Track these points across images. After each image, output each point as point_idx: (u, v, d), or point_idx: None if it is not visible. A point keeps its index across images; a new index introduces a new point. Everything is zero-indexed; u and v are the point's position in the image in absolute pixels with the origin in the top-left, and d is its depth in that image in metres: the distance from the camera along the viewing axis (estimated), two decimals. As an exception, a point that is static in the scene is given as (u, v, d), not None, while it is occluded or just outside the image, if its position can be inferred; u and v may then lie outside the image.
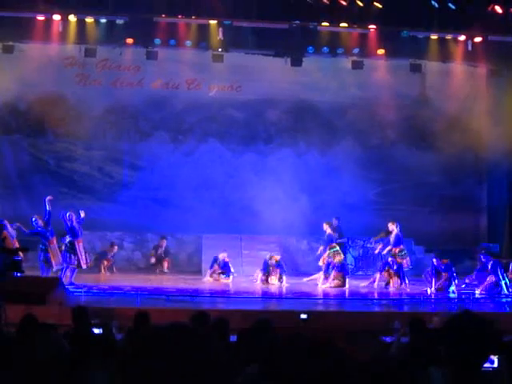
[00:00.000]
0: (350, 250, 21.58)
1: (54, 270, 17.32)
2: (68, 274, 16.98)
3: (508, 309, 15.68)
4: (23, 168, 22.51)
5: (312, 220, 20.58)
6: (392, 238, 18.41)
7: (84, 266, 17.27)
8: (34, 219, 17.41)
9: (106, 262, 20.16)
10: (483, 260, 17.85)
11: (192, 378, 2.09)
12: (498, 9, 19.64)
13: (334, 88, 23.07)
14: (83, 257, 17.20)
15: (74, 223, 17.21)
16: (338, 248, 18.82)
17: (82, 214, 17.44)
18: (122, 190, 22.67)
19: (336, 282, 18.33)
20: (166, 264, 20.73)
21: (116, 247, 20.58)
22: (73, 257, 17.06)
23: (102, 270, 19.98)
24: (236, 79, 22.95)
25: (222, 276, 19.03)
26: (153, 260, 20.84)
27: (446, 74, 23.11)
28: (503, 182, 23.04)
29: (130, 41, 20.53)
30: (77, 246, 17.03)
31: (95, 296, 15.33)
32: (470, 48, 20.85)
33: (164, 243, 20.86)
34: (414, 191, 23.38)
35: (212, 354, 2.14)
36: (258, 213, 21.26)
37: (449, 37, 21.05)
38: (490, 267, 17.46)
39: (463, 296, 16.77)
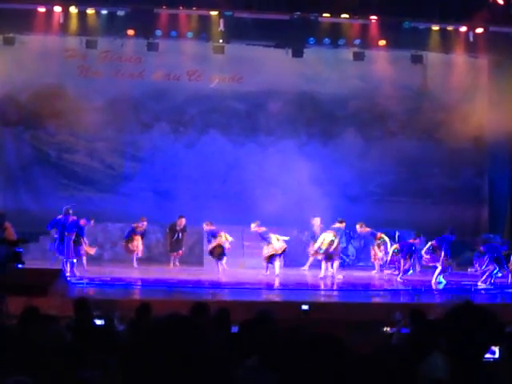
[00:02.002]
0: (352, 241, 21.59)
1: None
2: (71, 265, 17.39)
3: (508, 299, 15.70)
4: (25, 160, 22.51)
5: (313, 211, 20.55)
6: None
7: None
8: (65, 208, 17.95)
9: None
10: (483, 251, 17.85)
11: (189, 371, 2.10)
12: (500, 0, 19.59)
13: (335, 79, 23.05)
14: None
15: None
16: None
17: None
18: (123, 182, 22.68)
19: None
20: (174, 258, 20.79)
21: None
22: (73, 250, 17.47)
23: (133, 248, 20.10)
24: (237, 70, 22.92)
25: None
26: (168, 246, 20.90)
27: (447, 65, 23.07)
28: (505, 174, 23.02)
29: (131, 32, 20.51)
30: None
31: (97, 287, 15.36)
32: (471, 39, 20.82)
33: (183, 222, 20.66)
34: (415, 182, 23.37)
35: (209, 348, 2.14)
36: (259, 204, 21.23)
37: (450, 28, 21.02)
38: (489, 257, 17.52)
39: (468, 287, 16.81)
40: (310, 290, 16.41)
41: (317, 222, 20.51)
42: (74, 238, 17.51)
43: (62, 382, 4.53)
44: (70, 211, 17.88)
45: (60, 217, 17.77)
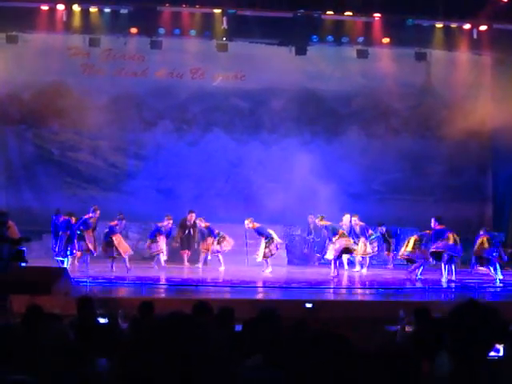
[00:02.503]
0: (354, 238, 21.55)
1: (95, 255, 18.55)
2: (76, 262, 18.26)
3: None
4: (28, 158, 22.52)
5: (316, 209, 20.54)
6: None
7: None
8: (92, 208, 18.61)
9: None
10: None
11: (189, 371, 2.09)
12: (503, -3, 19.56)
13: (338, 77, 23.02)
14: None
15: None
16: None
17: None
18: (126, 180, 22.67)
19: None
20: (185, 256, 20.62)
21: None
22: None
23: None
24: (240, 68, 22.90)
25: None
26: (176, 243, 20.74)
27: (451, 63, 23.04)
28: (508, 171, 22.96)
29: (134, 30, 20.52)
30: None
31: (101, 286, 15.34)
32: (475, 36, 20.80)
33: (193, 217, 20.41)
34: (418, 180, 23.35)
35: (210, 347, 2.13)
36: (263, 202, 21.25)
37: (454, 25, 21.01)
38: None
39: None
40: (314, 288, 16.36)
41: (312, 219, 20.62)
42: (66, 237, 17.62)
43: (64, 381, 4.52)
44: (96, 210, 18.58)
45: (87, 216, 18.28)
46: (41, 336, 5.28)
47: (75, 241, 17.99)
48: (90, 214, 18.61)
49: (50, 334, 5.44)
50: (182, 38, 21.15)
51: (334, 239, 18.35)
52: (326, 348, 2.87)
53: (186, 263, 20.40)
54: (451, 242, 17.43)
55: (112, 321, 8.68)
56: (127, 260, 18.24)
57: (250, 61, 22.47)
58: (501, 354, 5.52)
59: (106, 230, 18.44)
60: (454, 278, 17.38)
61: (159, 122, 23.10)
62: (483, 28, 20.62)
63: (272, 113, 23.24)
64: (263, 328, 5.82)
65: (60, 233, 17.69)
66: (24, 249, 12.90)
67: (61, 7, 19.62)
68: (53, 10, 19.73)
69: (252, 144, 23.13)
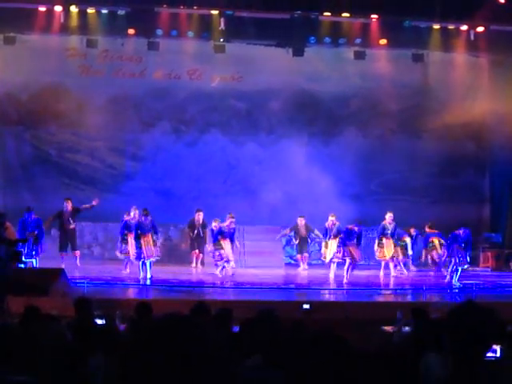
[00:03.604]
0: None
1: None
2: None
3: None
4: (25, 159, 22.50)
5: (313, 210, 20.55)
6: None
7: None
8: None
9: None
10: None
11: (189, 371, 2.09)
12: (501, -2, 19.58)
13: (336, 78, 23.03)
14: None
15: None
16: None
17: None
18: (124, 181, 22.65)
19: None
20: (195, 257, 20.20)
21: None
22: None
23: None
24: (238, 69, 22.91)
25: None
26: (187, 244, 20.45)
27: (448, 64, 23.04)
28: (506, 172, 22.96)
29: (131, 31, 20.51)
30: None
31: (98, 287, 15.33)
32: (472, 38, 20.82)
33: (200, 216, 20.00)
34: (416, 181, 23.35)
35: (209, 347, 2.14)
36: (260, 203, 21.25)
37: (451, 26, 21.03)
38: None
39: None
40: (312, 289, 16.37)
41: (301, 221, 20.43)
42: (33, 237, 17.43)
43: (62, 381, 4.53)
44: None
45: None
46: (39, 337, 5.28)
47: (42, 241, 17.78)
48: (131, 216, 18.49)
49: (48, 335, 5.44)
50: (179, 39, 21.14)
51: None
52: (326, 348, 2.87)
53: (194, 264, 20.15)
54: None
55: (109, 322, 8.67)
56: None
57: (248, 62, 22.47)
58: (498, 354, 5.54)
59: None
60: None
61: (157, 123, 23.09)
62: (480, 29, 20.64)
63: (269, 114, 23.24)
64: (261, 329, 5.82)
65: (27, 233, 17.36)
66: (22, 250, 12.92)
67: (58, 8, 19.60)
68: (50, 11, 19.71)
69: (249, 145, 23.13)
